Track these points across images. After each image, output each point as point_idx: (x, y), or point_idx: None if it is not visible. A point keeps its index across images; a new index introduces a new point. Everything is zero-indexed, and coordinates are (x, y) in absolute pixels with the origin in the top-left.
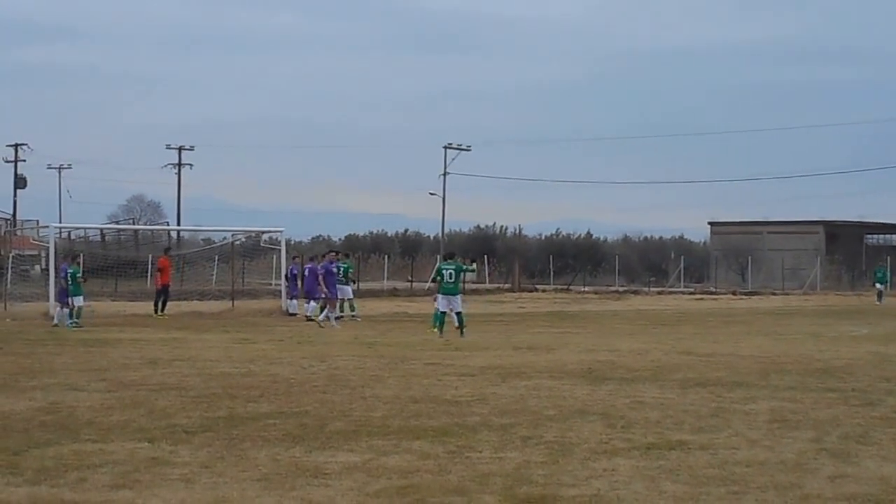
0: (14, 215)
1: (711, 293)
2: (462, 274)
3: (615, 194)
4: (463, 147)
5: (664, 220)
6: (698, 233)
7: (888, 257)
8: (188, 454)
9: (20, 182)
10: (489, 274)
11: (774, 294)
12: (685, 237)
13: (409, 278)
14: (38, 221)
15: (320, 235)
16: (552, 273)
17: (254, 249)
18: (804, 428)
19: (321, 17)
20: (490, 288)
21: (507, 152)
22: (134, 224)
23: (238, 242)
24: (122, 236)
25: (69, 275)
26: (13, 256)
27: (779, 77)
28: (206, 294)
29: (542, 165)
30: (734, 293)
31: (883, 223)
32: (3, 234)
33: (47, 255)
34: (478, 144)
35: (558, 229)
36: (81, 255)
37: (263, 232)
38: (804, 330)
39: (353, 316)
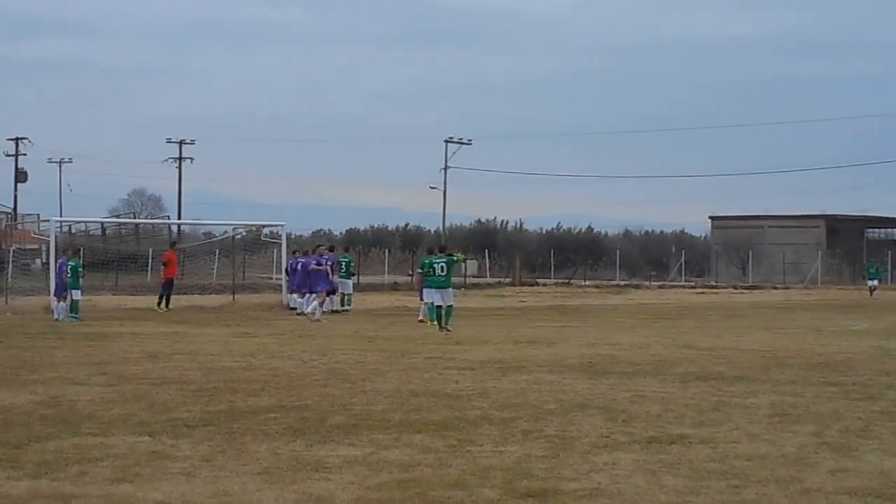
0: (15, 209)
1: (712, 287)
2: (453, 267)
3: (616, 188)
4: (464, 141)
5: (665, 214)
6: (699, 227)
7: (889, 252)
8: (189, 448)
9: (21, 176)
10: (490, 268)
11: (775, 288)
12: (686, 231)
13: (410, 272)
14: (38, 215)
15: (321, 229)
16: (553, 267)
17: (254, 243)
18: (805, 422)
19: (322, 11)
20: (491, 282)
21: (508, 146)
22: (135, 218)
23: (239, 236)
24: (123, 230)
25: (70, 268)
26: (14, 250)
27: (779, 71)
28: (207, 288)
29: (542, 159)
30: (735, 287)
31: (884, 217)
32: (3, 227)
33: (48, 248)
34: (478, 138)
35: (559, 223)
36: (82, 248)
37: (264, 226)
38: (805, 324)
39: (335, 310)
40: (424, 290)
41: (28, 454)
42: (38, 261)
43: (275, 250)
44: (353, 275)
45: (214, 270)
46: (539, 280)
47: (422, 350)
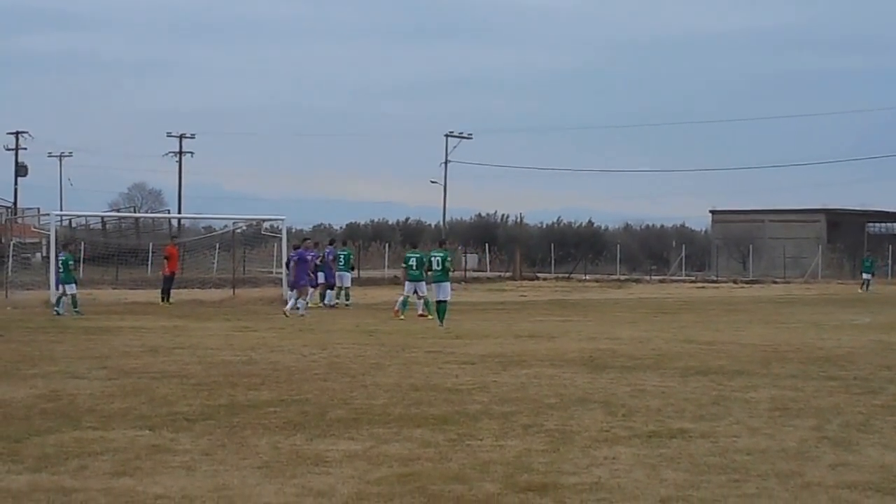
0: (15, 203)
1: (713, 281)
2: (449, 262)
3: (616, 182)
4: (464, 135)
5: (665, 208)
6: (700, 221)
7: (890, 246)
8: (189, 442)
9: (21, 170)
10: (490, 262)
11: (776, 282)
12: (686, 225)
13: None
14: (38, 209)
15: (321, 223)
16: (553, 261)
17: (255, 238)
18: (805, 416)
19: (322, 4)
20: (491, 276)
21: (508, 140)
22: (135, 212)
23: (239, 230)
24: (124, 224)
25: (61, 262)
26: (14, 244)
27: (780, 65)
28: (207, 282)
29: (543, 154)
30: (735, 281)
31: (885, 212)
32: (4, 221)
33: (48, 243)
34: (479, 132)
35: (559, 217)
36: (81, 242)
37: (264, 220)
38: (805, 318)
39: (333, 304)
40: (418, 284)
41: (28, 448)
42: (38, 255)
43: (275, 244)
44: (353, 268)
45: (215, 264)
46: (539, 274)
47: (422, 344)
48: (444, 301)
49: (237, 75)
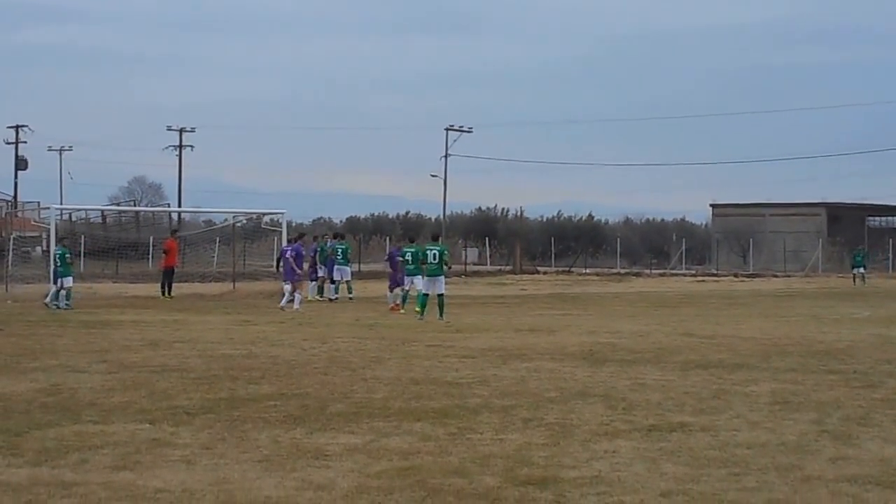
0: (15, 197)
1: (713, 275)
2: (444, 255)
3: (617, 176)
4: (464, 129)
5: (666, 202)
6: (700, 215)
7: (890, 240)
8: (189, 435)
9: (21, 164)
10: (490, 256)
11: (776, 276)
12: (687, 219)
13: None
14: (39, 203)
15: (321, 217)
16: (553, 255)
17: (255, 231)
18: (805, 410)
19: None
20: (491, 270)
21: (508, 134)
22: (135, 206)
23: (239, 224)
24: (124, 218)
25: (58, 255)
26: (14, 238)
27: (781, 59)
28: (208, 276)
29: (543, 147)
30: (736, 275)
31: (885, 205)
32: (4, 215)
33: (48, 236)
34: (479, 126)
35: (560, 211)
36: (82, 236)
37: (265, 214)
38: (805, 312)
39: (330, 299)
40: (415, 279)
41: (28, 442)
42: (38, 248)
43: (275, 238)
44: (351, 262)
45: (215, 258)
46: (539, 268)
47: (422, 338)
48: (441, 294)
49: (238, 69)
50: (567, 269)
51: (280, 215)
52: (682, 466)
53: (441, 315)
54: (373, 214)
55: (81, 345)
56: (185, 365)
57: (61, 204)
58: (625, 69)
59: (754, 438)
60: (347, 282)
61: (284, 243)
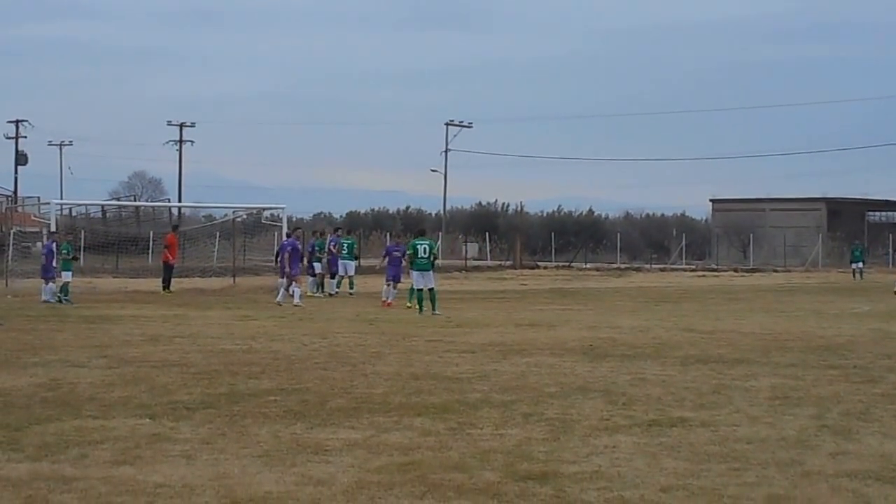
0: (15, 192)
1: (713, 270)
2: (433, 249)
3: (617, 171)
4: (464, 124)
5: (666, 196)
6: (700, 210)
7: (890, 235)
8: (189, 431)
9: (21, 158)
10: (490, 251)
11: (776, 271)
12: (687, 214)
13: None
14: (39, 198)
15: (322, 212)
16: (554, 250)
17: (255, 226)
18: (805, 405)
19: None
20: (491, 265)
21: (508, 129)
22: (135, 201)
23: (239, 219)
24: (124, 213)
25: (48, 251)
26: (14, 233)
27: (782, 54)
28: (208, 271)
29: (544, 142)
30: (736, 270)
31: (885, 200)
32: (4, 210)
33: (48, 231)
34: (480, 121)
35: (560, 206)
36: (81, 231)
37: (265, 209)
38: (806, 307)
39: (330, 294)
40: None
41: (28, 437)
42: (38, 244)
43: (275, 233)
44: (357, 257)
45: (215, 253)
46: (540, 263)
47: (422, 333)
48: (432, 289)
49: (238, 64)
50: (567, 264)
51: (280, 210)
52: (683, 461)
53: (434, 309)
54: (373, 209)
55: (81, 340)
56: (186, 360)
57: (61, 199)
58: (627, 64)
59: (754, 433)
60: (350, 277)
61: (284, 238)
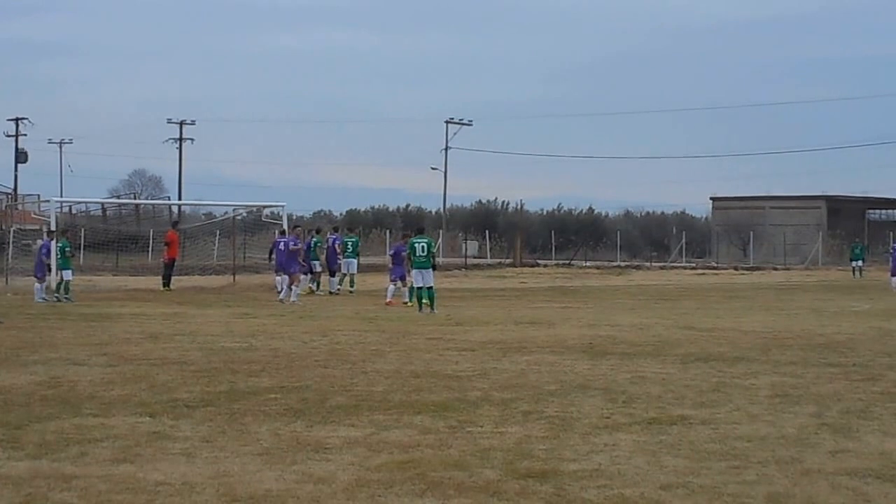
0: (15, 190)
1: (713, 268)
2: (431, 248)
3: (617, 169)
4: (464, 122)
5: (666, 195)
6: (700, 208)
7: (890, 233)
8: (189, 428)
9: (21, 156)
10: (490, 249)
11: (776, 269)
12: (687, 212)
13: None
14: (39, 196)
15: (322, 210)
16: (554, 248)
17: (255, 224)
18: (805, 403)
19: None
20: (491, 263)
21: (508, 127)
22: (135, 199)
23: (239, 217)
24: (124, 211)
25: (59, 248)
26: (14, 231)
27: (782, 53)
28: (208, 269)
29: (543, 140)
30: (736, 268)
31: (885, 198)
32: (4, 208)
33: (48, 229)
34: (479, 119)
35: (560, 204)
36: (81, 229)
37: (265, 207)
38: (806, 305)
39: (331, 292)
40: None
41: (28, 435)
42: (38, 241)
43: (275, 231)
44: (359, 255)
45: (215, 251)
46: (540, 261)
47: (422, 331)
48: (431, 287)
49: (237, 62)
50: (567, 262)
51: (280, 208)
52: (683, 459)
53: (433, 307)
54: (373, 207)
55: (81, 337)
56: (186, 358)
57: (61, 197)
58: (625, 63)
59: (754, 431)
60: (352, 275)
61: (277, 236)
